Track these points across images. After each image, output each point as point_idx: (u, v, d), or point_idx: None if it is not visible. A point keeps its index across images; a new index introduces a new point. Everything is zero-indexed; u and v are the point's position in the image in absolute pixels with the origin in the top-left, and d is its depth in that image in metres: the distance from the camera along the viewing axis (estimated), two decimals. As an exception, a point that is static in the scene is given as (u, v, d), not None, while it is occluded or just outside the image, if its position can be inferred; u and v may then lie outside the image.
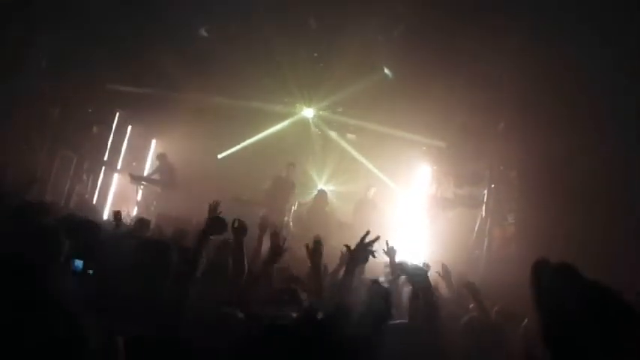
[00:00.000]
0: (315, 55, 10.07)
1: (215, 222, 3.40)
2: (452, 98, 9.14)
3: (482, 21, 7.73)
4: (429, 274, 3.41)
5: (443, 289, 4.84)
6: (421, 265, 3.86)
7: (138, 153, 12.06)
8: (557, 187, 6.86)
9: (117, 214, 5.72)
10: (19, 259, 2.12)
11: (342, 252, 4.41)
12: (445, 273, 5.00)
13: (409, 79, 9.44)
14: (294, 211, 11.15)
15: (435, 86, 9.01)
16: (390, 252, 4.68)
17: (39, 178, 5.84)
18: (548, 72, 7.11)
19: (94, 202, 10.60)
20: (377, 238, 3.78)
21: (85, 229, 3.55)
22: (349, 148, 12.15)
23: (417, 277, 3.23)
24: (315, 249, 3.74)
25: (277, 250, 3.74)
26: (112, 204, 11.13)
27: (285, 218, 10.61)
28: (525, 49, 7.48)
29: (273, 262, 3.78)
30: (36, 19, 8.22)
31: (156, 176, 11.10)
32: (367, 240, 3.59)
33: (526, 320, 3.44)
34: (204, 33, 9.81)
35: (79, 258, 2.88)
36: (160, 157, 11.35)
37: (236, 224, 3.81)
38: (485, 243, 7.81)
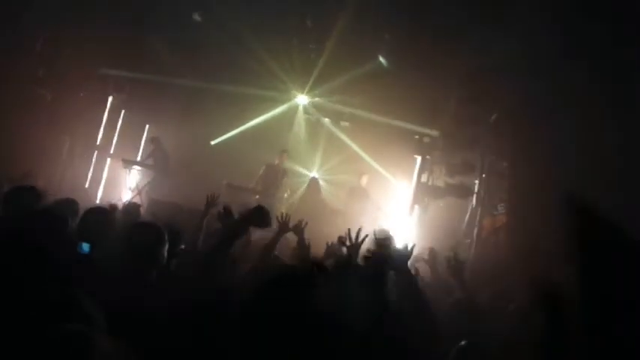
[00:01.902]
0: (311, 46, 10.09)
1: (258, 213, 3.26)
2: (445, 88, 9.20)
3: (478, 11, 7.78)
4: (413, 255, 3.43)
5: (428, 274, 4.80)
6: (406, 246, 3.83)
7: (131, 138, 12.02)
8: (547, 178, 6.94)
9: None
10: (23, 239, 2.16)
11: (327, 244, 4.49)
12: (431, 258, 4.93)
13: (403, 67, 9.48)
14: (286, 198, 11.20)
15: (429, 75, 9.06)
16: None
17: (33, 173, 5.80)
18: (543, 63, 7.16)
19: (87, 186, 10.59)
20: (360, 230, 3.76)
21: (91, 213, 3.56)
22: (342, 136, 12.18)
23: (399, 259, 3.24)
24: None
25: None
26: (105, 189, 11.12)
27: (278, 205, 10.65)
28: (520, 41, 7.52)
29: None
30: (31, 2, 8.17)
31: (149, 161, 11.08)
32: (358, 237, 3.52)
33: (512, 304, 3.51)
34: (197, 18, 9.78)
35: (86, 241, 2.91)
36: (154, 140, 11.32)
37: (221, 209, 3.81)
38: (476, 232, 7.89)
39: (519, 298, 3.59)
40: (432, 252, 5.06)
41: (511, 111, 7.83)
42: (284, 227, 4.31)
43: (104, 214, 3.69)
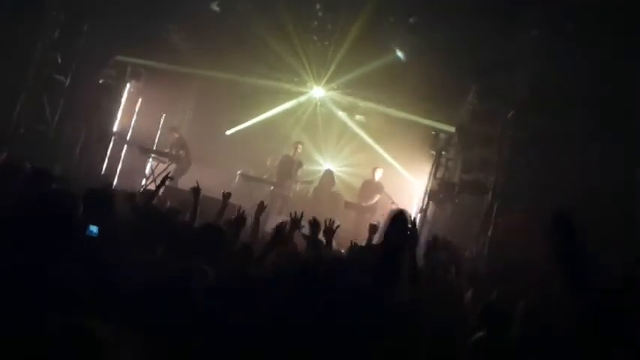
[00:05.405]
0: (326, 42, 10.04)
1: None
2: (462, 83, 9.11)
3: (498, 7, 7.68)
4: None
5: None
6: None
7: (147, 126, 12.07)
8: (566, 175, 6.85)
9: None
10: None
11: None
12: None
13: (420, 62, 9.40)
14: (300, 190, 11.22)
15: (446, 70, 8.98)
16: None
17: None
18: (561, 59, 7.07)
19: (103, 173, 10.66)
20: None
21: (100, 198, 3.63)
22: (357, 130, 12.14)
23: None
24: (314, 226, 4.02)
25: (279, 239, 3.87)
26: (121, 176, 11.20)
27: (292, 196, 10.68)
28: (540, 36, 7.43)
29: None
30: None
31: (172, 151, 11.13)
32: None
33: (523, 301, 3.46)
34: (216, 8, 9.76)
35: (95, 224, 2.97)
36: (175, 130, 11.43)
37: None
38: (491, 229, 7.81)
39: (532, 296, 3.55)
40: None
41: (528, 106, 7.74)
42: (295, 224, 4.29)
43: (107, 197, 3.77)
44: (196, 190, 4.71)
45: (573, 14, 6.94)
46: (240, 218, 4.21)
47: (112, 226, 3.24)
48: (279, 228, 3.88)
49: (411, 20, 8.80)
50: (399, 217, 3.34)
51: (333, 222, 4.21)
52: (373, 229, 4.94)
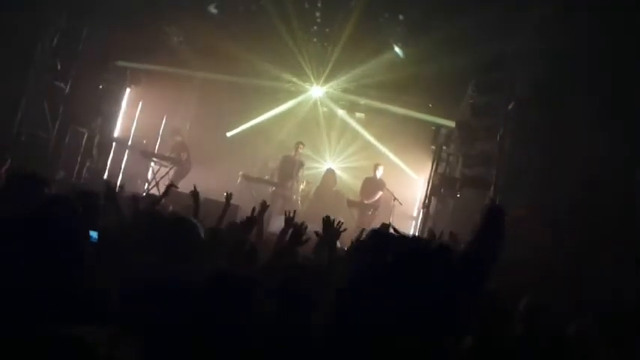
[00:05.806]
0: (327, 29, 10.03)
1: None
2: (462, 77, 9.11)
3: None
4: None
5: None
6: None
7: (149, 130, 12.11)
8: (568, 169, 6.83)
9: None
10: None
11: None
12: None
13: (419, 57, 9.41)
14: (302, 190, 11.22)
15: (445, 65, 8.98)
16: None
17: None
18: (562, 53, 7.05)
19: (105, 177, 10.69)
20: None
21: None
22: (358, 127, 12.14)
23: None
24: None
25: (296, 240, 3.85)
26: (123, 180, 11.22)
27: (294, 197, 10.69)
28: (539, 27, 7.41)
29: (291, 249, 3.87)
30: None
31: (174, 154, 11.14)
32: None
33: (526, 298, 3.46)
34: (213, 10, 9.78)
35: (94, 229, 2.98)
36: (177, 132, 11.44)
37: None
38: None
39: (533, 293, 3.55)
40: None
41: (529, 99, 7.73)
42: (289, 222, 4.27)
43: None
44: (195, 194, 4.70)
45: (574, 8, 6.92)
46: (252, 219, 4.20)
47: (113, 229, 3.26)
48: (296, 232, 3.86)
49: (401, 17, 8.82)
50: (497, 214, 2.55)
51: (341, 224, 4.21)
52: (384, 228, 4.90)
